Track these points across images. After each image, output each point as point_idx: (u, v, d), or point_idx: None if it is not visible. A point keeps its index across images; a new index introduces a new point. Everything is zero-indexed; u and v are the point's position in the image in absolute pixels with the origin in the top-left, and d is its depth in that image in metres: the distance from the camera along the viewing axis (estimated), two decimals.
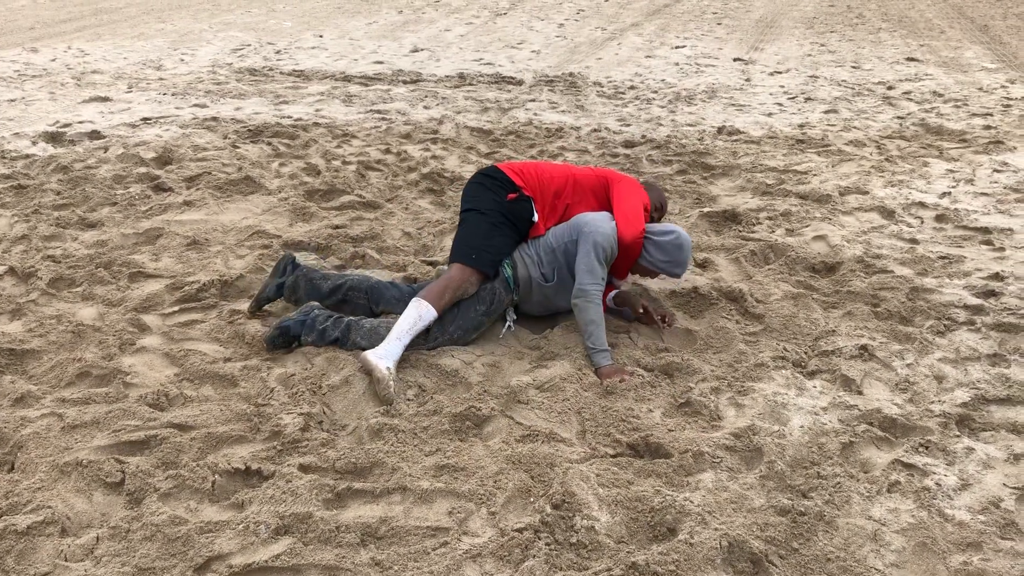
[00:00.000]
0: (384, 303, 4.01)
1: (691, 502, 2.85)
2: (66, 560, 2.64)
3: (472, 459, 3.11)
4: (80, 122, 7.64)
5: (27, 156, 6.61)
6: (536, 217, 4.11)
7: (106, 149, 6.78)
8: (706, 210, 5.64)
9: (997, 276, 4.64)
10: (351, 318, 3.88)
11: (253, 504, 2.86)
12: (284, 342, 3.86)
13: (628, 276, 4.30)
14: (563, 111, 8.45)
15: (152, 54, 11.04)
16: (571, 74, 10.23)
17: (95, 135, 7.21)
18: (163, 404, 3.42)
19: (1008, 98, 8.96)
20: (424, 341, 3.82)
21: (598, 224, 3.94)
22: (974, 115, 8.26)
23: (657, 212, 4.45)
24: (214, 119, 7.83)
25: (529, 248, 4.08)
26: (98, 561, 2.63)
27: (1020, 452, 3.18)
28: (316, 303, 3.99)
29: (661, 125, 7.96)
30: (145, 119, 7.81)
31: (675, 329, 4.11)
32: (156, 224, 5.27)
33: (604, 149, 7.11)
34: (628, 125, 7.96)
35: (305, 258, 4.43)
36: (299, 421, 3.27)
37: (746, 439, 3.22)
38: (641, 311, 4.09)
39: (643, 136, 7.52)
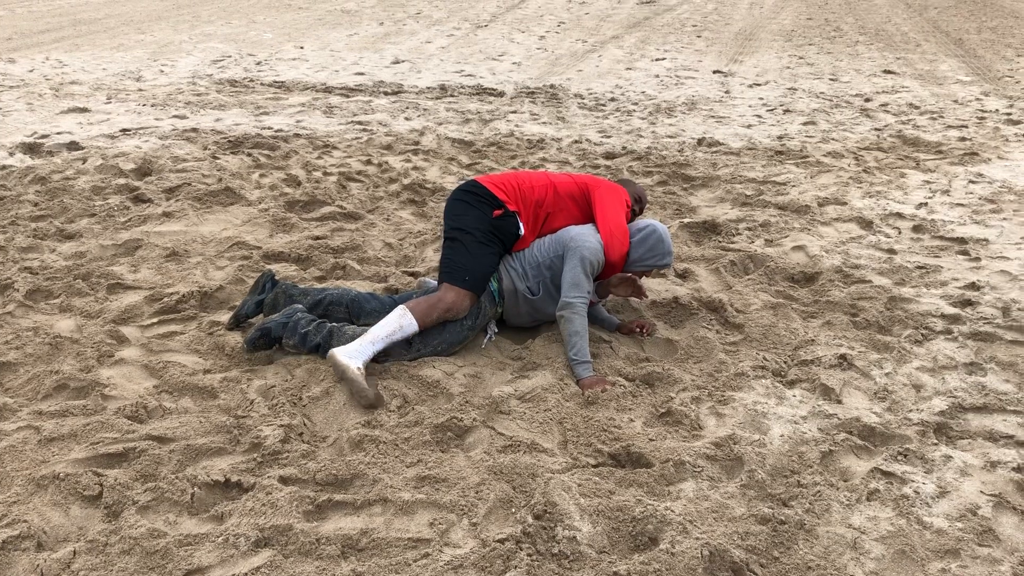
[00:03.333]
0: (365, 316, 4.00)
1: (672, 511, 2.86)
2: (42, 575, 2.60)
3: (453, 470, 3.10)
4: (58, 133, 7.59)
5: (4, 167, 6.55)
6: (522, 231, 4.10)
7: (85, 160, 6.73)
8: (686, 221, 5.67)
9: (973, 286, 4.69)
10: (333, 324, 3.87)
11: (233, 516, 2.84)
12: (265, 344, 3.85)
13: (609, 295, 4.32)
14: (544, 122, 8.48)
15: (131, 65, 10.99)
16: (552, 86, 10.28)
17: (73, 146, 7.16)
18: (142, 416, 3.39)
19: (982, 110, 9.08)
20: (406, 351, 3.81)
21: (585, 238, 3.95)
22: (950, 127, 8.37)
23: (638, 205, 4.43)
24: (194, 130, 7.80)
25: (514, 261, 4.08)
26: (75, 575, 2.60)
27: (996, 459, 3.21)
28: (300, 306, 3.97)
29: (641, 136, 8.00)
30: (124, 130, 7.77)
31: (656, 339, 4.13)
32: (135, 235, 5.24)
33: (585, 160, 7.13)
34: (609, 137, 8.00)
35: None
36: (279, 433, 3.25)
37: (727, 448, 3.23)
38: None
39: (624, 147, 7.55)
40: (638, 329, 4.13)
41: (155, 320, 4.22)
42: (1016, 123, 8.49)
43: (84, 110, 8.52)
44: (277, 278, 4.21)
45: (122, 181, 6.22)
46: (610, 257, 3.99)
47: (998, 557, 2.74)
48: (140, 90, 9.58)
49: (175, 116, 8.38)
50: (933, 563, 2.71)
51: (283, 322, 3.85)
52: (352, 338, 3.78)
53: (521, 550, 2.70)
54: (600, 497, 2.95)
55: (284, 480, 3.03)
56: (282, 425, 3.31)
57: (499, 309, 4.05)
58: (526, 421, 3.42)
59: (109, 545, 2.70)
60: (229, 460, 3.14)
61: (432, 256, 5.03)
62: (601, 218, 4.07)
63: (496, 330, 4.10)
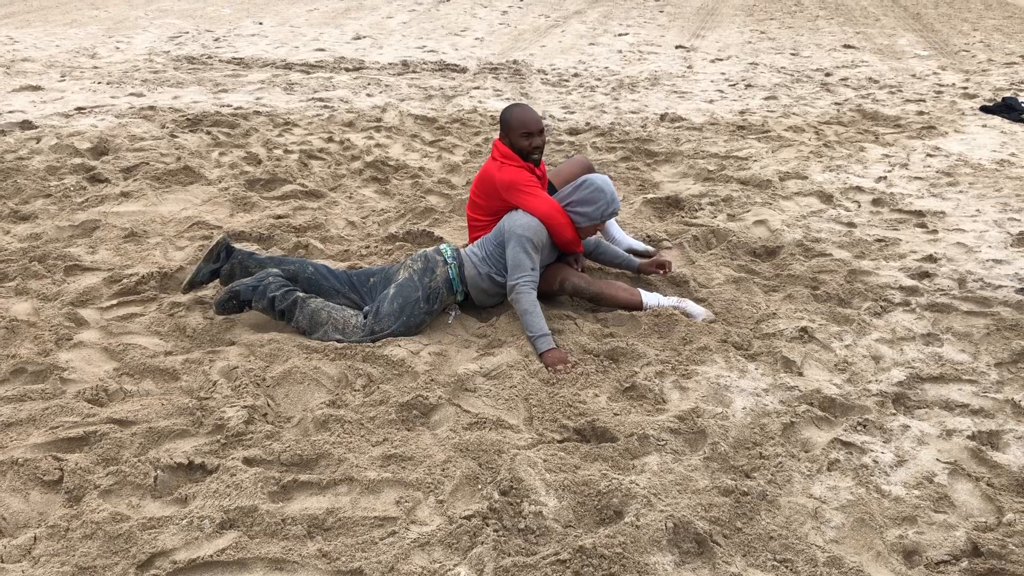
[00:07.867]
0: (323, 294, 3.99)
1: (637, 485, 2.89)
2: (2, 561, 2.57)
3: (419, 448, 3.11)
4: (10, 111, 7.41)
5: None
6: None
7: (39, 139, 6.59)
8: (650, 196, 5.69)
9: (931, 258, 4.77)
10: (300, 294, 3.90)
11: (197, 499, 2.82)
12: (235, 307, 3.90)
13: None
14: (507, 99, 8.44)
15: (86, 42, 10.75)
16: (515, 61, 10.22)
17: (27, 125, 7.00)
18: (102, 399, 3.34)
19: (940, 84, 9.19)
20: (365, 335, 3.80)
21: (517, 219, 4.02)
22: (908, 101, 8.46)
23: (525, 135, 4.13)
24: (151, 108, 7.66)
25: (476, 248, 4.09)
26: (36, 561, 2.56)
27: (952, 428, 3.28)
28: (275, 271, 3.99)
29: (605, 112, 8.00)
30: (79, 108, 7.60)
31: (619, 314, 4.13)
32: (92, 216, 5.14)
33: (548, 137, 7.11)
34: (572, 112, 7.98)
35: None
36: (243, 414, 3.23)
37: (690, 421, 3.26)
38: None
39: (587, 123, 7.54)
40: (659, 270, 4.39)
41: (114, 302, 4.16)
42: (972, 97, 8.60)
43: (37, 88, 8.33)
44: (233, 244, 4.17)
45: (78, 161, 6.09)
46: (560, 237, 4.07)
47: (953, 523, 2.81)
48: (95, 67, 9.38)
49: (132, 94, 8.22)
50: (891, 530, 2.77)
51: (254, 285, 3.88)
52: (315, 311, 3.82)
53: (488, 526, 2.71)
54: (565, 472, 2.97)
55: (248, 461, 3.01)
56: (245, 406, 3.28)
57: (457, 297, 4.06)
58: (491, 398, 3.43)
59: (71, 530, 2.67)
60: (192, 442, 3.12)
61: (396, 232, 4.99)
62: (531, 211, 4.06)
63: (459, 311, 4.10)
